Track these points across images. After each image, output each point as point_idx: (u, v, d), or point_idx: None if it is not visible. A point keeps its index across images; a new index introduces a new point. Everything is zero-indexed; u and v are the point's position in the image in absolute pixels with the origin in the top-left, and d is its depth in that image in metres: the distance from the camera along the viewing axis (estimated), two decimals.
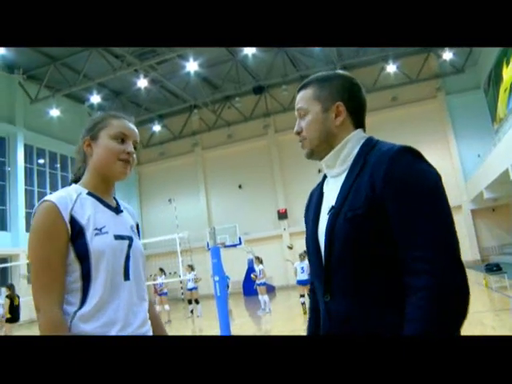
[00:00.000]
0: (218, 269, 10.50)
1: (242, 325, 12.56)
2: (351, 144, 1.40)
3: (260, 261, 15.17)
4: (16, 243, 23.98)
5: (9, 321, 10.90)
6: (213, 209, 31.57)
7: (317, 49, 25.05)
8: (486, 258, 24.49)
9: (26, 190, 25.15)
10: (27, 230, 24.61)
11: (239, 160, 30.91)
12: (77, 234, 1.47)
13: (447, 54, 25.84)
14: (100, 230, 1.51)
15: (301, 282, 12.85)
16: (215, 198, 31.65)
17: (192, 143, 32.19)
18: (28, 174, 25.70)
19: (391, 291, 1.22)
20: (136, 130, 1.68)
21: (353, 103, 1.43)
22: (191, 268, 16.48)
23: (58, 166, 28.38)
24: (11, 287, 11.46)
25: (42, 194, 26.67)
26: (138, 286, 1.60)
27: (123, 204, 1.77)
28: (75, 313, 1.44)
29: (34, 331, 17.98)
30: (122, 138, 1.61)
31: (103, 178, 1.63)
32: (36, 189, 26.39)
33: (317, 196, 1.50)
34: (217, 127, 31.36)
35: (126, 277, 1.55)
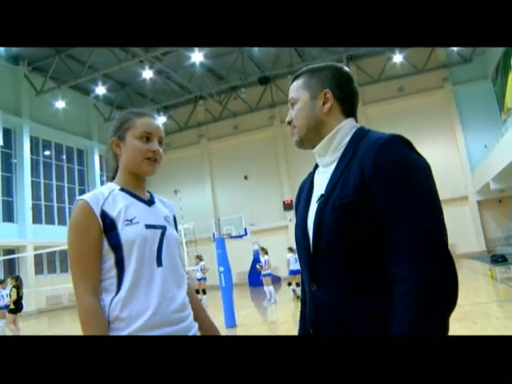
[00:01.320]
0: (223, 260, 10.54)
1: (247, 315, 12.61)
2: (342, 132, 1.40)
3: (265, 252, 15.20)
4: (23, 235, 24.16)
5: (12, 311, 11.03)
6: (218, 200, 31.64)
7: None
8: (492, 248, 24.40)
9: (32, 181, 25.31)
10: (34, 221, 24.81)
11: (245, 151, 30.90)
12: (109, 226, 1.57)
13: None
14: (131, 220, 1.60)
15: (293, 272, 14.21)
16: (221, 189, 31.70)
17: (198, 134, 32.19)
18: (34, 165, 25.85)
19: (377, 279, 1.21)
20: (160, 126, 1.75)
21: (341, 91, 1.43)
22: (200, 258, 16.53)
23: (64, 157, 28.49)
24: (18, 278, 11.58)
25: (48, 186, 26.84)
26: (174, 272, 1.66)
27: (159, 197, 1.87)
28: (112, 299, 1.53)
29: (39, 322, 18.14)
30: (146, 137, 1.69)
31: (134, 175, 1.72)
32: (42, 180, 26.55)
33: (308, 186, 1.51)
34: (222, 118, 31.34)
35: (159, 263, 1.61)
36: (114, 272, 1.56)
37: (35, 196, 25.67)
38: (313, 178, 1.51)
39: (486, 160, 21.92)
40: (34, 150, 25.91)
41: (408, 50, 26.29)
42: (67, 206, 27.96)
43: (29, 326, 14.24)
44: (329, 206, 1.29)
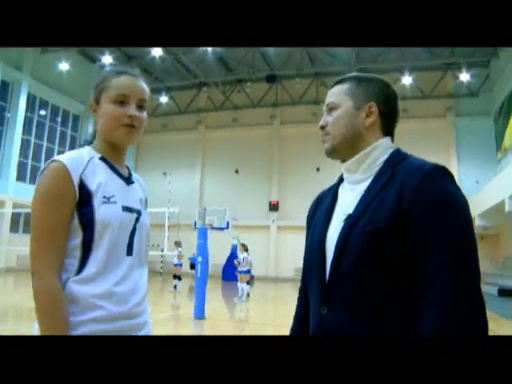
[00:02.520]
0: (202, 250, 10.44)
1: (216, 309, 12.53)
2: (379, 150, 1.32)
3: (245, 248, 15.16)
4: (4, 190, 23.82)
5: None
6: (206, 189, 31.50)
7: (336, 48, 24.86)
8: None
9: (22, 139, 24.93)
10: (17, 179, 24.47)
11: (240, 145, 30.78)
12: (84, 199, 1.37)
13: (464, 76, 25.64)
14: (109, 198, 1.41)
15: (243, 272, 14.75)
16: (210, 179, 31.56)
17: (196, 120, 31.99)
18: (27, 123, 25.45)
19: (396, 312, 1.14)
20: (141, 86, 1.51)
21: (387, 108, 1.36)
22: (178, 244, 16.44)
23: (59, 120, 28.12)
24: None
25: (38, 146, 26.48)
26: (140, 263, 1.52)
27: (135, 175, 1.66)
28: (67, 280, 1.35)
29: (5, 280, 17.88)
30: (121, 101, 1.45)
31: (111, 144, 1.50)
32: (33, 139, 26.17)
33: (330, 200, 1.39)
34: (223, 109, 31.17)
35: (129, 252, 1.46)
36: (78, 252, 1.37)
37: (23, 154, 25.29)
38: (335, 193, 1.41)
39: (476, 195, 22.06)
40: (29, 107, 25.50)
41: (417, 74, 26.35)
42: None
43: None
44: (357, 229, 1.20)
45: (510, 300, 15.20)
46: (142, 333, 1.47)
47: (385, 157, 1.31)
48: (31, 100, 25.66)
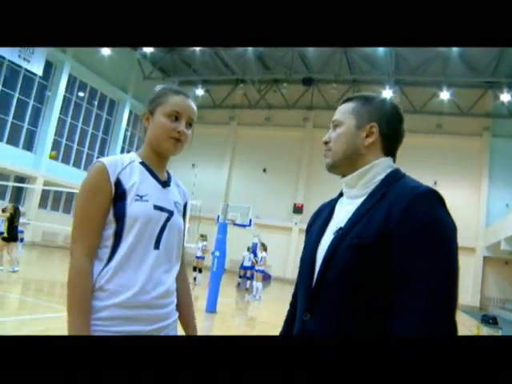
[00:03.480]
0: (220, 245, 10.55)
1: (229, 305, 12.65)
2: (377, 169, 1.36)
3: (265, 248, 15.22)
4: (37, 166, 24.48)
5: (5, 239, 11.15)
6: (232, 184, 31.70)
7: (376, 56, 24.67)
8: (485, 307, 24.15)
9: (59, 118, 25.57)
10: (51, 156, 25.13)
11: (270, 145, 30.85)
12: (119, 196, 1.56)
13: (505, 96, 25.04)
14: (141, 197, 1.59)
15: (245, 267, 16.89)
16: (237, 175, 31.74)
17: (229, 116, 32.21)
18: (65, 103, 26.08)
19: (370, 325, 1.19)
20: (193, 107, 1.71)
21: (388, 129, 1.40)
22: (203, 238, 16.60)
23: (96, 103, 28.70)
24: (16, 208, 11.69)
25: (73, 126, 27.10)
26: (168, 259, 1.65)
27: (177, 181, 1.85)
28: (102, 269, 1.53)
29: (30, 253, 18.35)
30: (175, 116, 1.65)
31: (156, 152, 1.69)
32: (69, 119, 26.80)
33: (327, 213, 1.45)
34: (257, 107, 31.27)
35: (156, 246, 1.60)
36: (110, 242, 1.55)
37: (58, 133, 25.91)
38: (334, 206, 1.46)
39: (504, 219, 21.59)
40: (69, 88, 26.12)
41: (456, 90, 25.90)
42: (86, 150, 28.21)
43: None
44: (345, 242, 1.25)
45: None
46: (167, 323, 1.63)
47: (382, 175, 1.35)
48: (71, 81, 26.27)
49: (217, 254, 10.50)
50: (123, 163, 1.62)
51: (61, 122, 26.01)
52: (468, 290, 25.42)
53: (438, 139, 27.15)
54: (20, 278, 10.93)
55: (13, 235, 11.32)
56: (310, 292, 1.31)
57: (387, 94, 26.59)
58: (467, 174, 26.57)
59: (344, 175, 1.42)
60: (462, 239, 22.25)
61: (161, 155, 1.70)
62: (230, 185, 31.79)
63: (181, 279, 1.77)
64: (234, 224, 21.50)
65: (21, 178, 24.52)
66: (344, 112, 1.43)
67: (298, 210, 29.25)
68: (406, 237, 1.16)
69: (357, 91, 28.18)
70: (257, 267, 14.86)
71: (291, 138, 30.74)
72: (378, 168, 1.36)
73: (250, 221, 23.05)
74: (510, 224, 19.82)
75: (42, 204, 25.40)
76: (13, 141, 23.70)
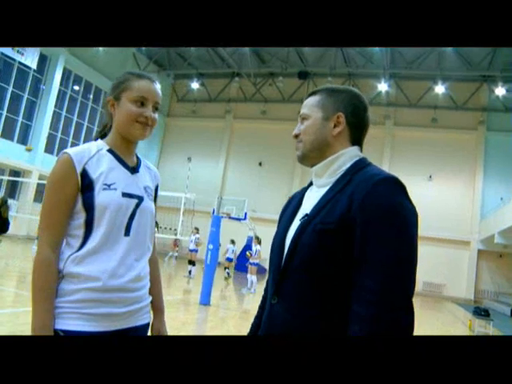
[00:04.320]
0: (214, 238, 10.59)
1: (223, 297, 12.71)
2: (344, 158, 1.40)
3: (259, 241, 15.24)
4: (32, 160, 24.40)
5: None
6: (228, 178, 31.69)
7: (372, 50, 24.65)
8: (479, 300, 24.30)
9: (54, 111, 25.46)
10: (46, 150, 25.03)
11: (266, 138, 30.84)
12: (86, 186, 1.57)
13: (500, 90, 25.07)
14: (109, 185, 1.60)
15: (229, 259, 17.67)
16: (233, 169, 31.73)
17: (225, 109, 32.15)
18: (60, 96, 25.96)
19: (333, 308, 1.23)
20: (157, 91, 1.71)
21: (355, 119, 1.44)
22: (197, 231, 16.63)
23: (91, 96, 28.59)
24: (4, 201, 11.57)
25: (68, 120, 27.00)
26: (139, 244, 1.68)
27: (147, 164, 1.85)
28: (71, 254, 1.56)
29: (25, 247, 18.37)
30: (141, 102, 1.65)
31: (124, 138, 1.70)
32: (64, 113, 26.70)
33: (297, 201, 1.50)
34: (253, 100, 31.25)
35: (127, 233, 1.63)
36: (81, 231, 1.58)
37: (53, 126, 25.82)
38: (303, 195, 1.51)
39: (498, 212, 21.70)
40: (63, 82, 26.01)
41: (451, 83, 25.92)
42: (81, 144, 28.08)
43: (14, 248, 14.39)
44: (309, 228, 1.30)
45: None
46: (139, 306, 1.67)
47: (349, 164, 1.39)
48: (66, 75, 26.15)
49: (210, 247, 10.53)
50: (90, 152, 1.63)
51: (56, 116, 25.90)
52: (462, 283, 25.58)
53: (433, 133, 27.18)
54: (15, 271, 10.94)
55: (3, 228, 11.20)
56: (277, 277, 1.36)
57: (383, 87, 26.61)
58: (462, 167, 26.64)
59: (313, 165, 1.46)
60: (457, 233, 22.33)
61: (129, 141, 1.71)
62: (225, 178, 31.78)
63: (151, 261, 1.80)
64: (230, 217, 21.56)
65: (16, 172, 24.46)
66: (310, 105, 1.47)
67: None
68: (364, 222, 1.21)
69: (352, 85, 28.17)
70: (251, 260, 14.88)
71: (287, 132, 30.65)
72: (345, 157, 1.40)
73: (245, 214, 23.11)
74: (503, 217, 19.93)
75: (38, 198, 25.34)
76: (7, 135, 23.59)
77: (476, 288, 25.59)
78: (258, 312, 1.61)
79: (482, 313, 12.26)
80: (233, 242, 17.12)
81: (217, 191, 28.97)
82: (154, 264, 1.85)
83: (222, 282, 16.74)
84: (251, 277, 14.59)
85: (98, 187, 1.57)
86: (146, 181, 1.77)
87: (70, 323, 1.50)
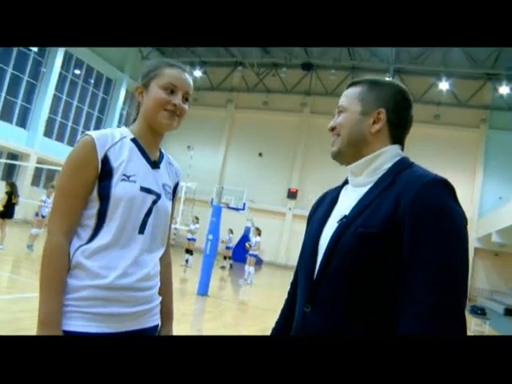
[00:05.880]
0: (214, 228, 10.51)
1: (220, 288, 12.68)
2: (385, 157, 1.30)
3: (259, 233, 15.20)
4: (31, 143, 24.24)
5: (1, 215, 11.02)
6: (227, 168, 31.60)
7: None
8: (474, 298, 24.37)
9: (54, 95, 25.28)
10: (45, 134, 24.88)
11: (267, 129, 30.70)
12: (105, 174, 1.48)
13: (504, 89, 24.95)
14: (128, 177, 1.51)
15: (228, 248, 18.82)
16: (233, 159, 31.63)
17: (227, 99, 31.96)
18: (61, 80, 25.74)
19: (377, 317, 1.15)
20: (189, 81, 1.63)
21: (396, 116, 1.33)
22: (197, 220, 16.60)
23: (92, 81, 28.37)
24: (13, 185, 11.56)
25: (68, 104, 26.82)
26: (152, 243, 1.59)
27: (169, 160, 1.76)
28: (80, 246, 1.46)
29: (22, 231, 18.29)
30: (171, 89, 1.57)
31: (150, 128, 1.61)
32: (64, 97, 26.51)
33: (331, 199, 1.40)
34: (256, 90, 31.04)
35: (141, 231, 1.53)
36: (92, 221, 1.48)
37: (53, 110, 25.63)
38: (338, 194, 1.41)
39: (496, 211, 21.70)
40: (64, 65, 25.78)
41: (455, 80, 25.80)
42: (81, 128, 27.95)
43: (10, 232, 14.25)
44: (349, 231, 1.20)
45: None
46: (149, 306, 1.57)
47: (390, 164, 1.30)
48: (67, 58, 25.91)
49: (210, 237, 10.46)
50: (113, 138, 1.54)
51: (56, 100, 25.70)
52: None
53: (435, 129, 27.09)
54: (10, 255, 10.86)
55: (9, 212, 11.18)
56: (311, 282, 1.26)
57: None
58: (463, 165, 26.60)
59: (349, 163, 1.36)
60: None
61: (155, 131, 1.61)
62: (225, 168, 31.69)
63: (164, 263, 1.71)
64: (228, 207, 21.51)
65: (13, 155, 24.29)
66: (349, 97, 1.37)
67: (292, 195, 29.25)
68: (414, 224, 1.12)
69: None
70: (251, 251, 14.83)
71: (288, 123, 30.59)
72: (386, 156, 1.31)
73: (244, 204, 23.08)
74: (502, 217, 19.92)
75: (35, 182, 25.21)
76: (6, 117, 23.41)
77: (471, 286, 25.65)
78: (280, 319, 1.51)
79: (478, 311, 12.28)
80: (231, 231, 17.20)
81: (216, 180, 28.87)
82: (166, 266, 1.75)
83: (219, 271, 16.74)
84: (249, 268, 14.55)
85: (116, 177, 1.48)
86: (165, 178, 1.67)
87: (71, 323, 1.40)
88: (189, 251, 16.17)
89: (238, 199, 23.44)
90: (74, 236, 1.48)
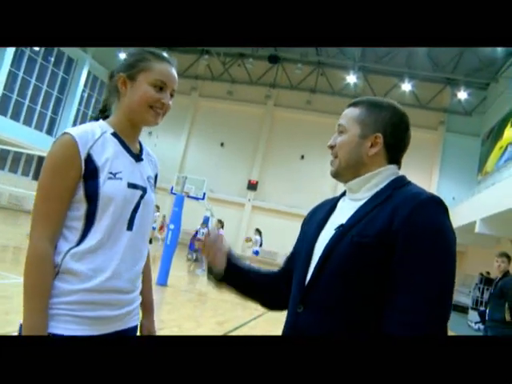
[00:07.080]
0: (176, 218, 10.41)
1: (179, 278, 12.58)
2: (380, 177, 1.37)
3: (222, 225, 15.13)
4: None
5: None
6: (188, 156, 31.30)
7: None
8: None
9: (10, 71, 24.50)
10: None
11: (230, 119, 30.57)
12: (90, 173, 1.41)
13: (462, 94, 25.85)
14: (114, 174, 1.45)
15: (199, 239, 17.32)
16: (194, 147, 31.35)
17: (191, 86, 31.56)
18: (18, 56, 24.75)
19: (365, 322, 1.21)
20: (176, 76, 1.60)
21: (393, 140, 1.39)
22: (158, 208, 16.38)
23: (52, 59, 27.34)
24: None
25: (26, 82, 26.01)
26: (141, 239, 1.55)
27: (147, 151, 1.70)
28: (69, 250, 1.41)
29: None
30: (160, 86, 1.53)
31: (131, 121, 1.55)
32: (21, 74, 25.57)
33: (329, 207, 1.47)
34: (220, 80, 30.83)
35: (130, 227, 1.49)
36: (80, 223, 1.42)
37: (8, 87, 24.61)
38: (335, 204, 1.47)
39: (450, 211, 22.47)
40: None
41: (417, 82, 26.43)
42: (38, 108, 27.01)
43: None
44: (346, 239, 1.26)
45: (459, 315, 15.79)
46: (132, 307, 1.55)
47: (386, 182, 1.36)
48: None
49: (171, 227, 10.35)
50: (94, 135, 1.46)
51: (11, 76, 24.68)
52: None
53: None
54: None
55: None
56: (304, 284, 1.33)
57: (351, 79, 26.84)
58: (419, 166, 27.29)
59: (347, 182, 1.42)
60: None
61: (136, 125, 1.57)
62: (185, 156, 31.37)
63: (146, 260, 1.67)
64: (188, 196, 21.31)
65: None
66: (349, 118, 1.42)
67: (252, 186, 29.31)
68: (408, 238, 1.18)
69: (320, 74, 28.32)
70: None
71: (251, 115, 30.56)
72: (382, 175, 1.38)
73: (204, 194, 22.94)
74: (454, 217, 20.59)
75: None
76: None
77: None
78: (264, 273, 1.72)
79: None
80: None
81: (176, 168, 28.56)
82: (147, 261, 1.71)
83: (181, 263, 16.60)
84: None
85: (103, 176, 1.42)
86: (148, 170, 1.63)
87: (59, 326, 1.35)
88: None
89: (198, 189, 23.26)
90: (61, 239, 1.41)
